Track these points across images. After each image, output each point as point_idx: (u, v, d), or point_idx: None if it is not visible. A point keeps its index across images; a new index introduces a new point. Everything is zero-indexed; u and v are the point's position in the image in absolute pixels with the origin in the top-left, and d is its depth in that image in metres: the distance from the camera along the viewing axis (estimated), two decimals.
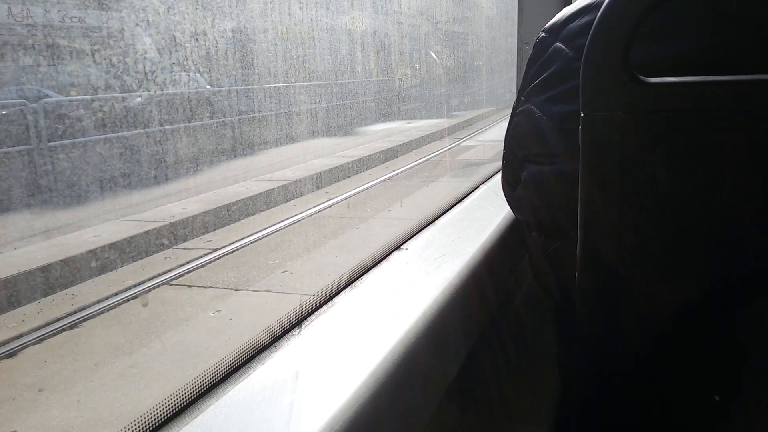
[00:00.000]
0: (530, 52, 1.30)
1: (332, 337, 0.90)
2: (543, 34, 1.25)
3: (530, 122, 1.22)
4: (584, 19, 1.12)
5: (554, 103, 1.16)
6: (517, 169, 1.30)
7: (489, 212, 1.60)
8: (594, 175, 0.91)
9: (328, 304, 1.00)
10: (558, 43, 1.19)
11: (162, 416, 0.69)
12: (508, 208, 1.60)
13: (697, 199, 0.87)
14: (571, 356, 1.29)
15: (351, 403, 0.72)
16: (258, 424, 0.68)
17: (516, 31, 2.23)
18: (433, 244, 1.35)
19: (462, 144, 7.55)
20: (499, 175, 2.11)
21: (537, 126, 1.20)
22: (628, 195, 0.89)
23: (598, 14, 0.86)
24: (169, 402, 0.70)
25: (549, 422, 1.64)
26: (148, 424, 0.67)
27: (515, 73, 2.33)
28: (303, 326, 0.92)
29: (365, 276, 1.14)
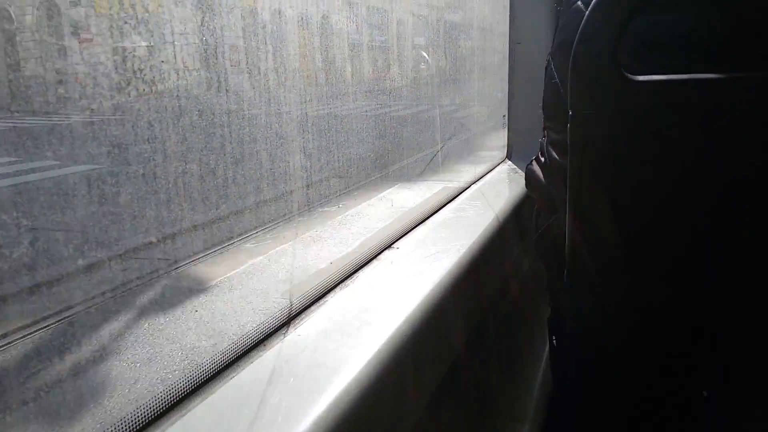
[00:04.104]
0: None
1: (322, 336, 0.89)
2: None
3: (555, 87, 1.22)
4: None
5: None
6: (542, 135, 1.32)
7: (480, 211, 1.60)
8: (583, 173, 0.91)
9: (318, 303, 1.00)
10: (578, 3, 1.18)
11: (148, 415, 0.68)
12: (500, 206, 1.60)
13: (687, 195, 0.88)
14: (563, 352, 1.29)
15: (340, 402, 0.72)
16: (246, 423, 0.67)
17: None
18: (424, 243, 1.35)
19: None
20: (490, 175, 2.12)
21: (552, 92, 1.20)
22: (617, 192, 0.89)
23: (585, 14, 0.86)
24: (156, 401, 0.69)
25: (540, 419, 1.64)
26: (135, 423, 0.67)
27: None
28: (292, 325, 0.91)
29: (356, 275, 1.13)
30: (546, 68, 1.30)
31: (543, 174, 1.30)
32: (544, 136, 1.28)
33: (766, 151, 0.83)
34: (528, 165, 1.42)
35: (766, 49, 0.87)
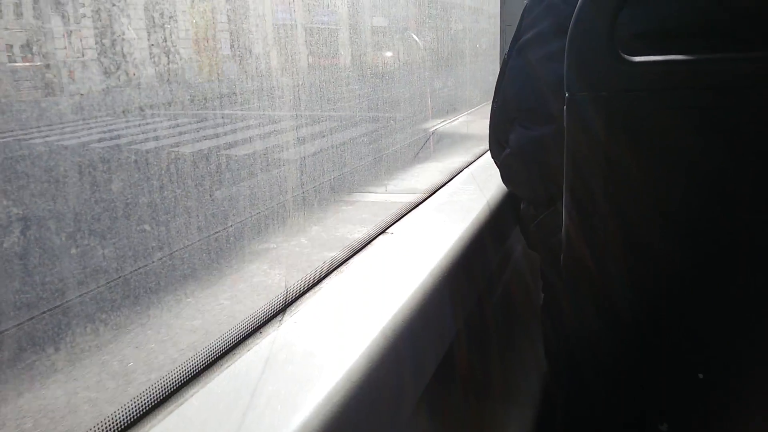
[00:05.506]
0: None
1: (318, 322, 0.89)
2: None
3: (527, 80, 1.20)
4: None
5: (551, 62, 1.13)
6: (508, 129, 1.28)
7: (473, 195, 1.59)
8: (579, 157, 0.90)
9: (314, 290, 0.99)
10: None
11: (145, 405, 0.67)
12: (492, 190, 1.59)
13: (683, 178, 0.87)
14: (557, 335, 1.30)
15: (337, 388, 0.72)
16: (241, 411, 0.67)
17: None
18: (419, 228, 1.34)
19: None
20: (483, 158, 2.11)
21: (533, 85, 1.18)
22: (613, 176, 0.88)
23: None
24: (152, 391, 0.68)
25: (535, 401, 1.65)
26: (131, 413, 0.66)
27: None
28: (288, 312, 0.90)
29: (350, 261, 1.13)
30: (506, 63, 1.27)
31: (522, 169, 1.27)
32: (512, 131, 1.25)
33: (766, 132, 0.83)
34: (501, 162, 1.38)
35: (762, 29, 0.87)
